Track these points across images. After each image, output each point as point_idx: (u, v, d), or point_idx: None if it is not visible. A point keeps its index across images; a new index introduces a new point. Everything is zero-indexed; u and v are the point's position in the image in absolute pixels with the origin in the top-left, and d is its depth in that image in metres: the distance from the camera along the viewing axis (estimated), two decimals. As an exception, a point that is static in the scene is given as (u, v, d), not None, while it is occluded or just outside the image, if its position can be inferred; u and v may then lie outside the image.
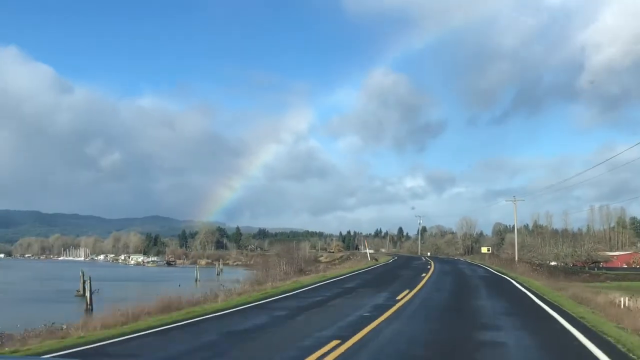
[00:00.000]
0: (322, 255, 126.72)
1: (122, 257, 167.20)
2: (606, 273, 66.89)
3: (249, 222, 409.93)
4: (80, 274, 48.98)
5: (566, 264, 78.04)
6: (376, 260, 77.08)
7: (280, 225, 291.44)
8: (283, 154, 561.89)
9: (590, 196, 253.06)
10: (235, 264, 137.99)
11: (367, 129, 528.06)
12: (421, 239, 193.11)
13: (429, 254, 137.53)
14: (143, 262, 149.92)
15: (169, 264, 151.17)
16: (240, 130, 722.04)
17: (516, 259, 64.58)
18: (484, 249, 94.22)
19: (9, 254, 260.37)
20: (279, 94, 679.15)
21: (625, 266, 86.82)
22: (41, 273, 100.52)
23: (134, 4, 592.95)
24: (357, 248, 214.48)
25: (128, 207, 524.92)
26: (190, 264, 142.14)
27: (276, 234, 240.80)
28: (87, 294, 41.81)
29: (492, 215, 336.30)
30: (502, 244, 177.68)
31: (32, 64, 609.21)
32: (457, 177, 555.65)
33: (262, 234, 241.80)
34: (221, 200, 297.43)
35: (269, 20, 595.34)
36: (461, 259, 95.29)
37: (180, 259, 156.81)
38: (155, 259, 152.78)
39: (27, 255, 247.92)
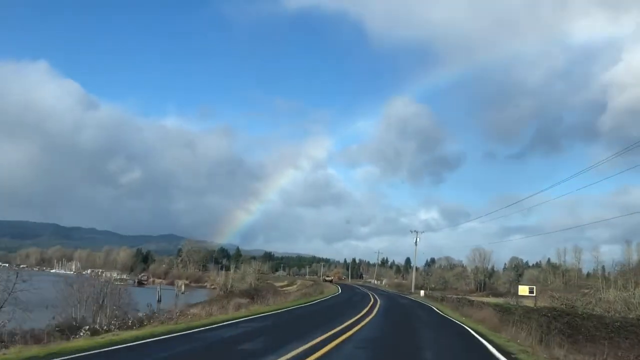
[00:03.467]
0: (293, 283, 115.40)
1: (100, 273, 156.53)
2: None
3: (263, 245, 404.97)
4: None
5: None
6: (321, 293, 66.47)
7: (294, 250, 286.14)
8: (300, 180, 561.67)
9: (601, 238, 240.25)
10: (212, 287, 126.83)
11: (385, 159, 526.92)
12: (428, 271, 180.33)
13: (386, 288, 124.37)
14: (114, 280, 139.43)
15: (139, 283, 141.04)
16: (259, 155, 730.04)
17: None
18: (523, 289, 56.30)
19: (8, 262, 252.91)
20: (300, 120, 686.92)
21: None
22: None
23: (163, 24, 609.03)
24: (361, 276, 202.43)
25: (144, 225, 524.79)
26: (168, 283, 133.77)
27: (282, 258, 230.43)
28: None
29: (504, 252, 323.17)
30: (520, 281, 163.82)
31: (60, 80, 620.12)
32: (472, 212, 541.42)
33: (268, 257, 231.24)
34: (237, 223, 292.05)
35: (295, 46, 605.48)
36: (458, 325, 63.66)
37: (159, 278, 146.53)
38: (125, 276, 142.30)
39: (22, 266, 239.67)
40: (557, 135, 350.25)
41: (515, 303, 54.10)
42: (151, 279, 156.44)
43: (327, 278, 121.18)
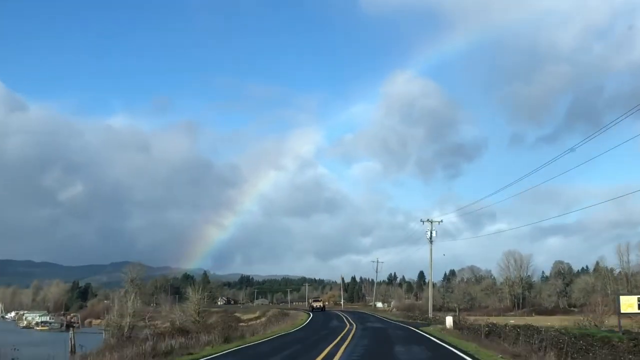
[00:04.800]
0: (264, 314, 78.37)
1: (23, 315, 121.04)
2: None
3: (241, 269, 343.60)
4: None
5: None
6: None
7: (280, 272, 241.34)
8: (284, 183, 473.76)
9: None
10: (164, 325, 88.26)
11: (387, 152, 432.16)
12: (447, 286, 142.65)
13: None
14: (35, 323, 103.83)
15: (68, 326, 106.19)
16: (231, 155, 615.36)
17: None
18: (629, 301, 35.23)
19: None
20: (280, 109, 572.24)
21: None
22: None
23: (103, 7, 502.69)
24: (363, 298, 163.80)
25: (92, 252, 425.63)
26: (107, 326, 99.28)
27: (264, 282, 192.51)
28: None
29: (539, 259, 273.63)
30: (568, 292, 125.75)
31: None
32: (498, 211, 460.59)
33: (245, 282, 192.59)
34: (207, 242, 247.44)
35: (269, 21, 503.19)
36: None
37: (98, 318, 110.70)
38: (48, 319, 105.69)
39: None
40: (598, 109, 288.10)
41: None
42: (88, 320, 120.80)
43: (315, 305, 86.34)
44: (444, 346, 26.64)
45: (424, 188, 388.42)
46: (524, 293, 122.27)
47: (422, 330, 38.28)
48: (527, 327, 32.14)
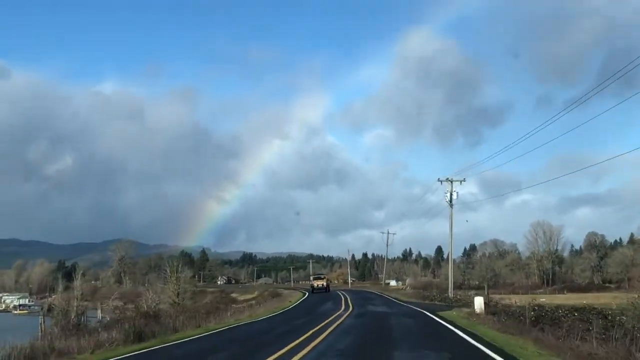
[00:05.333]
0: (254, 295, 67.48)
1: (1, 298, 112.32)
2: None
3: (244, 246, 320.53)
4: None
5: None
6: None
7: (286, 249, 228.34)
8: (290, 154, 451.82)
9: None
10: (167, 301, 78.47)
11: (402, 117, 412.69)
12: (468, 262, 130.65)
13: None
14: (13, 307, 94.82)
15: (50, 309, 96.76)
16: (232, 124, 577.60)
17: None
18: None
19: None
20: (285, 73, 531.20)
21: None
22: None
23: None
24: (375, 276, 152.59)
25: (84, 230, 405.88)
26: (94, 307, 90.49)
27: (267, 260, 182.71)
28: None
29: (567, 231, 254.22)
30: (603, 266, 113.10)
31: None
32: (523, 181, 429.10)
33: (247, 260, 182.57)
34: (207, 218, 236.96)
35: None
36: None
37: (86, 300, 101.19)
38: (27, 302, 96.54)
39: None
40: (634, 70, 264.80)
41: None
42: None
43: (316, 284, 70.69)
44: (481, 349, 14.76)
45: (442, 157, 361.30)
46: (553, 268, 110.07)
47: (441, 317, 26.86)
48: (585, 310, 23.84)
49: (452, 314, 28.73)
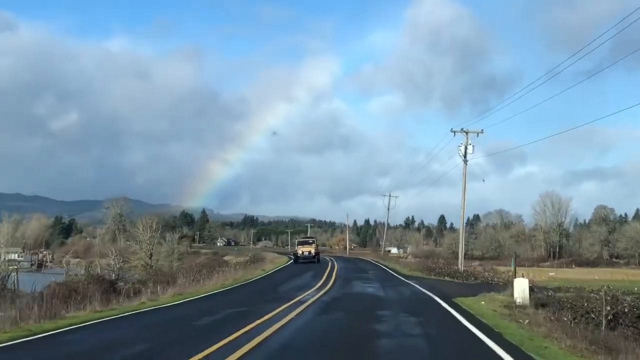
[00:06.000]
0: (248, 258, 62.74)
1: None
2: None
3: (247, 209, 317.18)
4: None
5: None
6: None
7: (290, 213, 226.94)
8: (296, 117, 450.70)
9: None
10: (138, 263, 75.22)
11: (410, 84, 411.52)
12: (471, 231, 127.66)
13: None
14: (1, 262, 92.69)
15: (40, 265, 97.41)
16: (239, 85, 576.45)
17: None
18: None
19: None
20: (293, 35, 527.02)
21: None
22: None
23: None
24: (377, 243, 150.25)
25: (87, 187, 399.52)
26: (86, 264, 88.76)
27: (269, 223, 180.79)
28: None
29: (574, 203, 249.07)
30: (612, 241, 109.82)
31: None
32: (529, 153, 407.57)
33: (249, 222, 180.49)
34: (211, 179, 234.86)
35: None
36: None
37: (78, 257, 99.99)
38: (17, 257, 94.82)
39: None
40: None
41: None
42: (66, 259, 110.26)
43: (301, 251, 54.01)
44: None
45: (449, 126, 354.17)
46: (561, 241, 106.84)
47: (469, 316, 15.60)
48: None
49: (482, 306, 18.45)
